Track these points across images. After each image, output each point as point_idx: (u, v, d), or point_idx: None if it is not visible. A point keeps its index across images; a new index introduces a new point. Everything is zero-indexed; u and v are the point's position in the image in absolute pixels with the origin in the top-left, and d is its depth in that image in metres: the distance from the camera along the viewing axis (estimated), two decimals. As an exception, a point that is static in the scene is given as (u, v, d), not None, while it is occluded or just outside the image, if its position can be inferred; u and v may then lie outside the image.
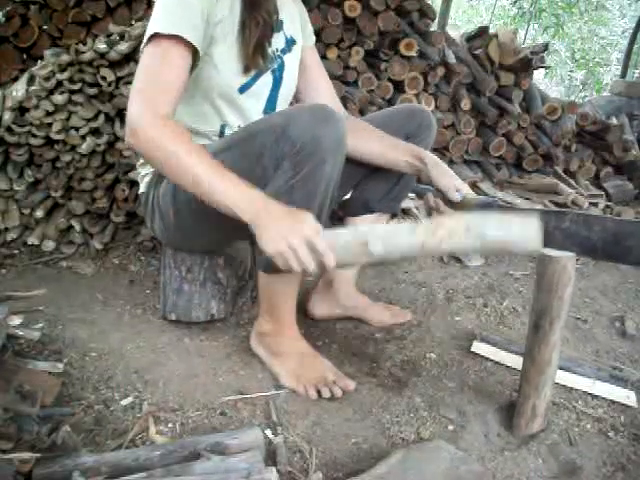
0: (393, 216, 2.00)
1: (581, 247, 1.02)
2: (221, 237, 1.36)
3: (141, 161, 1.37)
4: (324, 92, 1.43)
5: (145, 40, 1.10)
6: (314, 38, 1.45)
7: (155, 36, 1.07)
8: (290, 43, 1.33)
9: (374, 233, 0.95)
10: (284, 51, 1.31)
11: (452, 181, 1.28)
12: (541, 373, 1.05)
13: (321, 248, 0.93)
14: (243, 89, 1.24)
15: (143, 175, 1.36)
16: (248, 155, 1.11)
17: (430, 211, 1.32)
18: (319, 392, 1.19)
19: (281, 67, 1.31)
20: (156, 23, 1.09)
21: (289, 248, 0.94)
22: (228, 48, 1.20)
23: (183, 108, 1.20)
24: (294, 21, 1.35)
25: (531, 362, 1.06)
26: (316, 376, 1.21)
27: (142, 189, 1.37)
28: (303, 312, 1.49)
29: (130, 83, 1.70)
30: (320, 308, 1.51)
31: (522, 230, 0.89)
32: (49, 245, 1.79)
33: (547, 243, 1.00)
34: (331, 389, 1.18)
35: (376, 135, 1.37)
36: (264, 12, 1.20)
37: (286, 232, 0.95)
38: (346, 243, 0.95)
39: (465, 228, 0.90)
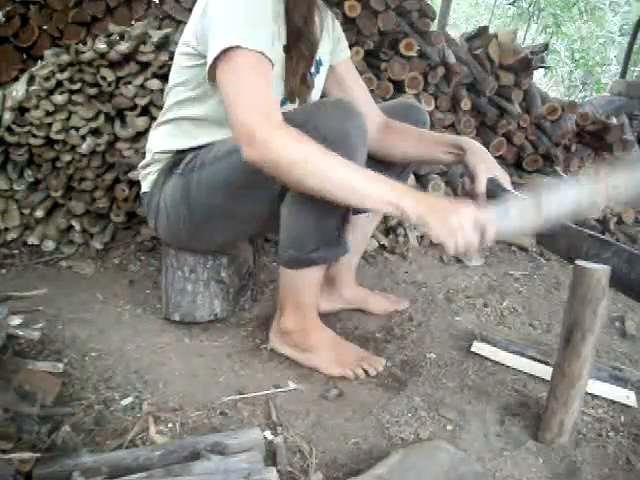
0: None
1: (617, 283, 0.99)
2: (230, 237, 1.36)
3: (144, 161, 1.37)
4: (362, 102, 1.39)
5: (223, 48, 1.02)
6: (348, 52, 1.45)
7: (239, 48, 1.02)
8: (319, 65, 1.33)
9: (547, 199, 1.00)
10: (313, 74, 1.31)
11: (488, 170, 1.26)
12: (571, 387, 1.03)
13: (489, 227, 0.99)
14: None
15: (146, 174, 1.36)
16: None
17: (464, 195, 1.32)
18: (366, 371, 1.25)
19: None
20: (236, 34, 1.03)
21: (460, 226, 0.99)
22: (274, 71, 1.17)
23: (209, 110, 1.19)
24: (326, 39, 1.34)
25: (561, 376, 1.03)
26: (355, 357, 1.28)
27: (145, 188, 1.37)
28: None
29: (130, 83, 1.71)
30: (323, 303, 1.52)
31: None
32: (49, 245, 1.79)
33: None
34: (374, 366, 1.26)
35: (416, 134, 1.38)
36: (308, 43, 1.20)
37: (454, 212, 1.00)
38: (514, 216, 1.01)
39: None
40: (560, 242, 1.07)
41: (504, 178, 1.27)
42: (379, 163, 1.34)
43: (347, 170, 1.00)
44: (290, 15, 1.17)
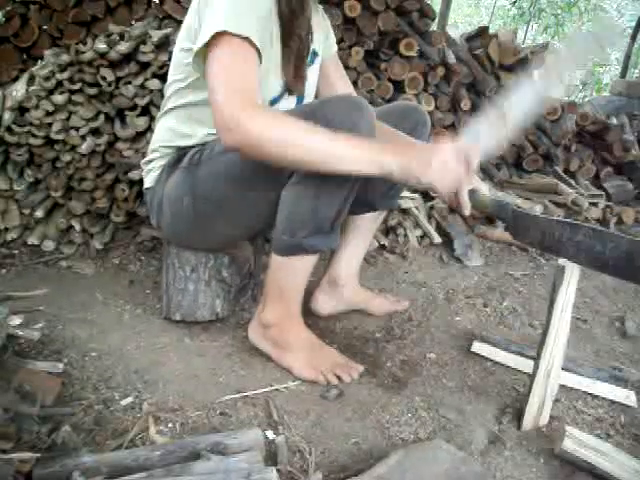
0: (390, 211, 2.01)
1: (593, 261, 1.03)
2: (232, 233, 1.36)
3: (147, 158, 1.37)
4: None
5: (210, 35, 1.04)
6: (336, 47, 1.47)
7: (225, 34, 1.03)
8: (313, 56, 1.34)
9: (506, 103, 1.07)
10: (308, 64, 1.31)
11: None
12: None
13: (474, 156, 1.04)
14: (273, 102, 1.26)
15: (149, 170, 1.36)
16: None
17: (450, 207, 1.35)
18: (339, 377, 1.23)
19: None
20: (226, 20, 1.04)
21: (446, 168, 1.04)
22: (271, 68, 1.21)
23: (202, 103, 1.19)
24: (318, 31, 1.36)
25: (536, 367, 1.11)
26: (331, 362, 1.25)
27: (148, 184, 1.37)
28: (305, 312, 1.49)
29: (130, 83, 1.71)
30: (326, 306, 1.52)
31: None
32: (49, 245, 1.79)
33: (559, 253, 1.04)
34: (349, 372, 1.23)
35: (395, 137, 1.38)
36: (298, 39, 1.21)
37: (438, 159, 1.04)
38: (488, 127, 1.07)
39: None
40: (533, 234, 1.10)
41: (480, 186, 1.26)
42: None
43: (327, 137, 1.02)
44: (279, 7, 1.18)
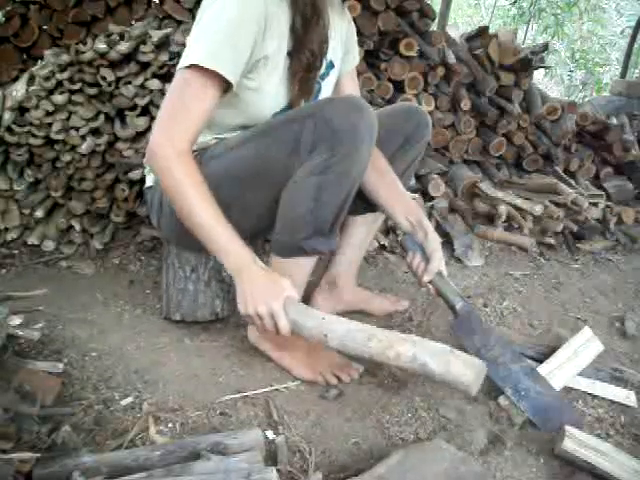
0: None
1: (514, 392, 1.19)
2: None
3: None
4: None
5: (183, 61, 1.09)
6: (358, 60, 1.47)
7: (196, 66, 1.07)
8: (329, 67, 1.32)
9: (335, 331, 1.02)
10: (323, 76, 1.31)
11: (435, 263, 1.29)
12: None
13: (281, 325, 1.04)
14: (279, 114, 1.25)
15: (150, 169, 1.36)
16: (285, 139, 1.14)
17: (410, 268, 1.35)
18: (338, 378, 1.23)
19: (318, 93, 1.31)
20: (199, 51, 1.08)
21: (256, 314, 1.05)
22: (275, 81, 1.20)
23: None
24: (339, 41, 1.34)
25: None
26: (329, 363, 1.25)
27: (149, 183, 1.37)
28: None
29: (130, 83, 1.71)
30: (325, 306, 1.51)
31: (461, 373, 0.96)
32: (49, 245, 1.79)
33: (489, 371, 1.09)
34: (348, 373, 1.23)
35: (388, 179, 1.38)
36: (309, 53, 1.20)
37: (258, 299, 1.04)
38: (308, 330, 1.04)
39: (411, 357, 0.99)
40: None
41: (442, 270, 1.31)
42: None
43: (205, 213, 1.07)
44: (293, 20, 1.17)
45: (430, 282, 1.30)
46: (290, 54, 1.20)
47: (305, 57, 1.20)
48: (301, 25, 1.17)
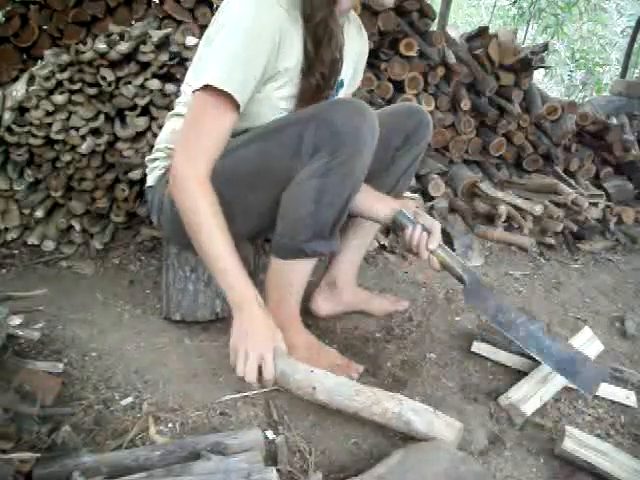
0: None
1: (537, 351, 1.23)
2: (233, 234, 1.35)
3: (151, 155, 1.37)
4: None
5: (198, 82, 1.11)
6: (359, 83, 1.49)
7: (208, 86, 1.09)
8: (339, 86, 1.33)
9: (323, 384, 1.05)
10: (331, 96, 1.31)
11: (437, 234, 1.26)
12: None
13: (267, 373, 1.05)
14: None
15: (153, 168, 1.35)
16: (287, 141, 1.15)
17: (410, 244, 1.28)
18: None
19: None
20: (214, 72, 1.10)
21: (244, 354, 1.05)
22: (286, 95, 1.21)
23: None
24: (351, 60, 1.35)
25: None
26: (329, 363, 1.25)
27: (150, 182, 1.36)
28: (304, 313, 1.49)
29: (130, 83, 1.71)
30: (325, 307, 1.52)
31: (442, 433, 1.01)
32: (49, 245, 1.79)
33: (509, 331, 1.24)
34: (348, 373, 1.22)
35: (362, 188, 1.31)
36: (320, 75, 1.21)
37: (252, 342, 1.06)
38: (296, 381, 1.06)
39: (397, 414, 1.02)
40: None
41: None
42: None
43: (220, 245, 1.10)
44: (304, 42, 1.18)
45: (433, 254, 1.25)
46: (303, 72, 1.21)
47: (315, 79, 1.21)
48: (312, 45, 1.18)
